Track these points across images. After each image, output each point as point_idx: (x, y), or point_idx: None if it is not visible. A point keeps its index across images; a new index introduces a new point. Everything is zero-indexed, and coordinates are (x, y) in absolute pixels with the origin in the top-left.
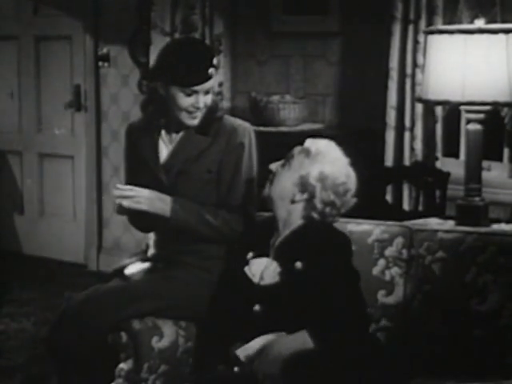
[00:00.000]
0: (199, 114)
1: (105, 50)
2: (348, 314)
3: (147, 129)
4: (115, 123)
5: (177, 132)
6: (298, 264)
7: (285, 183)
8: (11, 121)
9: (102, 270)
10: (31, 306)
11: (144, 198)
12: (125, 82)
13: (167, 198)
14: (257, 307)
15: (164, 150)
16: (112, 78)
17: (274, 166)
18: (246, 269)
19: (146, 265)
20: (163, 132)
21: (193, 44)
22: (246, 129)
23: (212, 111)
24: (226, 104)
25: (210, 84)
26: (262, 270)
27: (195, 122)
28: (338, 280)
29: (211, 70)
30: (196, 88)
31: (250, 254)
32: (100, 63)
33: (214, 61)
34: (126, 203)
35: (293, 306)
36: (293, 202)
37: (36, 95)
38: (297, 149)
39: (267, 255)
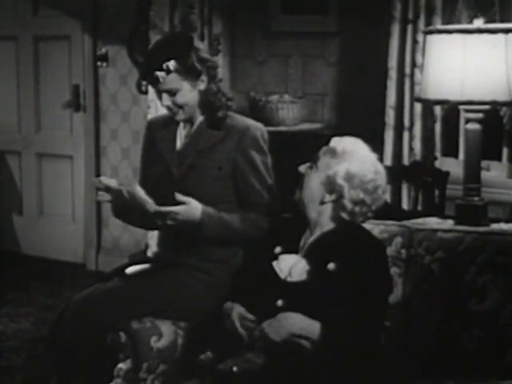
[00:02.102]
0: (176, 111)
1: (103, 50)
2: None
3: (166, 122)
4: (114, 123)
5: (181, 124)
6: (331, 266)
7: (313, 185)
8: (10, 121)
9: (101, 270)
10: (30, 306)
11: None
12: (123, 81)
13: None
14: (280, 302)
15: (179, 144)
16: (111, 77)
17: (302, 168)
18: (275, 263)
19: (146, 265)
20: (181, 125)
21: (157, 46)
22: (259, 128)
23: (214, 108)
24: None
25: (171, 86)
26: (291, 266)
27: (177, 117)
28: (363, 287)
29: (162, 74)
30: (159, 87)
31: (278, 249)
32: (99, 63)
33: (171, 65)
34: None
35: (316, 306)
36: (322, 203)
37: (35, 95)
38: (322, 149)
39: (296, 252)
